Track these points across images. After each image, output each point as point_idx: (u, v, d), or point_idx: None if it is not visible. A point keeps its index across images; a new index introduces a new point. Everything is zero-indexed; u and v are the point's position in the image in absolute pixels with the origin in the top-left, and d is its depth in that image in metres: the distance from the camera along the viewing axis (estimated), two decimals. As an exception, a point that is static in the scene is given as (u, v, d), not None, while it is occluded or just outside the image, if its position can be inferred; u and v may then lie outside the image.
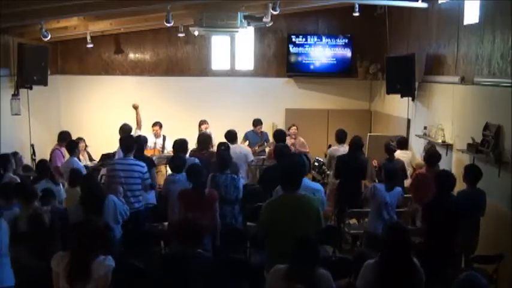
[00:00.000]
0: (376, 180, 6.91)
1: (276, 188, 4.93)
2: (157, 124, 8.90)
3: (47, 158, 7.49)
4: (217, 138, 8.87)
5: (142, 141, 7.08)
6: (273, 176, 5.96)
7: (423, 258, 4.59)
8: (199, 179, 5.36)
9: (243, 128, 8.88)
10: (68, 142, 7.26)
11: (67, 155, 7.42)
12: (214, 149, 7.69)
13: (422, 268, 3.61)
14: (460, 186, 5.67)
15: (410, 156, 7.87)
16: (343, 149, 7.43)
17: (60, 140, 7.65)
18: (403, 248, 3.52)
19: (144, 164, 6.05)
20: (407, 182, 7.13)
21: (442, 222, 4.86)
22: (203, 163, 6.44)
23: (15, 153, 6.87)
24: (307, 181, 4.93)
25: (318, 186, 5.06)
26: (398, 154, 7.37)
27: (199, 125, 9.05)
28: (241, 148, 7.79)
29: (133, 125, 8.53)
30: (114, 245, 4.57)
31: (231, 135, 7.81)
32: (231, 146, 7.51)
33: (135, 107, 8.84)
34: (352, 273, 4.04)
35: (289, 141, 8.66)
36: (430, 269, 4.33)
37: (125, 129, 8.08)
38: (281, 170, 4.39)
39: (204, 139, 7.54)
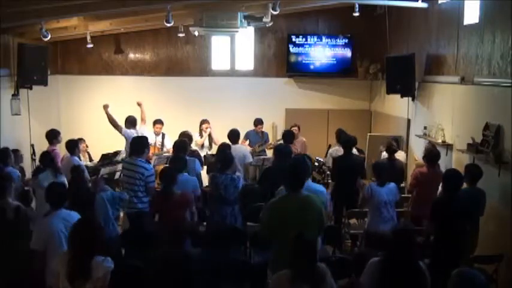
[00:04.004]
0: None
1: (278, 188, 4.93)
2: (159, 122, 8.94)
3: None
4: (218, 138, 8.92)
5: None
6: (272, 176, 5.98)
7: (431, 258, 4.62)
8: (169, 182, 5.38)
9: (243, 128, 8.87)
10: (68, 141, 7.25)
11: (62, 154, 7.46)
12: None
13: (431, 267, 3.62)
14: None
15: (404, 156, 7.89)
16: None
17: (52, 139, 7.54)
18: (409, 250, 3.51)
19: (149, 167, 6.05)
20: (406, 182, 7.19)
21: (450, 221, 4.85)
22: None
23: (16, 151, 6.91)
24: (309, 183, 4.84)
25: (320, 187, 4.94)
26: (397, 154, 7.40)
27: (201, 124, 9.05)
28: (241, 148, 7.80)
29: (138, 120, 8.67)
30: (113, 243, 4.59)
31: (234, 135, 7.81)
32: (232, 146, 7.53)
33: (139, 104, 8.93)
34: (352, 273, 4.04)
35: None
36: (439, 268, 4.34)
37: (129, 121, 8.12)
38: (287, 170, 4.38)
39: (186, 137, 7.53)
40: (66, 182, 6.06)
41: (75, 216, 4.36)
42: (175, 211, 5.24)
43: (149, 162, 7.11)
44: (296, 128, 8.98)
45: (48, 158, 6.38)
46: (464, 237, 4.95)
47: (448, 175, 5.16)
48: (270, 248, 4.36)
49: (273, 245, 4.28)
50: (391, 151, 7.17)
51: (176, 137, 7.60)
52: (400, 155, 7.73)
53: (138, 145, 6.16)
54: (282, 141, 7.89)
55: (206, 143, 8.97)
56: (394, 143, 7.42)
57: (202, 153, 8.44)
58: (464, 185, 5.46)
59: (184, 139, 7.09)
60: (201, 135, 8.90)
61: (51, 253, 4.14)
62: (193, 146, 8.23)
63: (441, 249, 4.79)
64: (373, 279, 3.55)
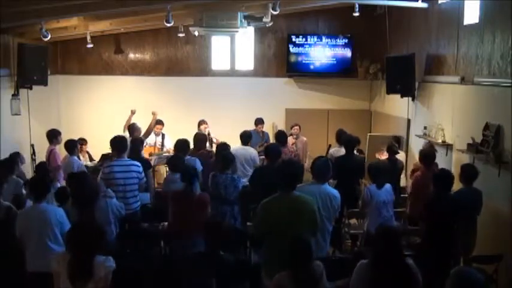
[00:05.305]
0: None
1: (271, 188, 4.88)
2: (159, 122, 8.94)
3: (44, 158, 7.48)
4: (218, 137, 8.92)
5: (138, 143, 7.07)
6: (264, 176, 5.96)
7: (423, 258, 4.63)
8: (191, 183, 5.31)
9: (243, 128, 8.86)
10: (66, 142, 7.24)
11: (61, 153, 7.46)
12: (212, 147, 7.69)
13: (423, 267, 3.61)
14: (457, 185, 5.67)
15: (404, 157, 7.90)
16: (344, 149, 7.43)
17: (52, 138, 7.48)
18: (393, 251, 3.51)
19: (139, 164, 6.07)
20: (404, 182, 7.19)
21: (441, 221, 4.86)
22: (200, 162, 6.53)
23: (17, 154, 6.91)
24: (326, 186, 4.75)
25: (336, 193, 4.79)
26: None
27: (199, 125, 9.07)
28: (250, 151, 7.66)
29: (143, 128, 8.55)
30: (108, 245, 4.60)
31: (246, 137, 7.71)
32: (241, 146, 7.52)
33: (154, 113, 8.85)
34: (351, 273, 4.05)
35: (291, 140, 8.67)
36: (431, 268, 4.34)
37: (133, 129, 8.13)
38: (283, 169, 4.37)
39: (200, 139, 7.54)
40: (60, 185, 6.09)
41: (55, 210, 4.55)
42: (196, 211, 5.15)
43: (148, 162, 7.13)
44: (297, 127, 8.99)
45: (41, 170, 6.37)
46: (455, 236, 4.97)
47: (438, 175, 5.19)
48: (262, 247, 4.36)
49: (265, 244, 4.28)
50: (392, 152, 7.17)
51: (176, 137, 7.58)
52: (400, 156, 7.74)
53: (119, 144, 6.10)
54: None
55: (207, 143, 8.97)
56: (396, 144, 7.42)
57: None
58: (461, 185, 5.48)
59: (186, 139, 7.09)
60: (200, 136, 8.92)
61: (28, 240, 4.53)
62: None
63: (433, 248, 4.80)
64: (361, 281, 3.54)
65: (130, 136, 8.09)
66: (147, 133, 8.66)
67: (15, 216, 4.79)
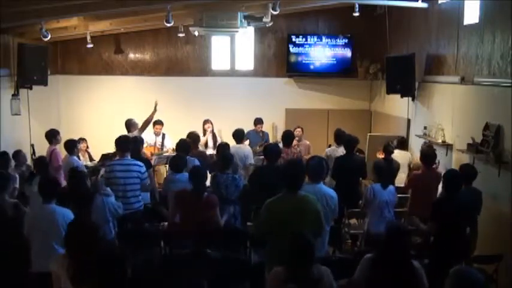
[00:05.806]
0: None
1: (270, 188, 4.86)
2: (159, 123, 8.94)
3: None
4: (222, 137, 8.94)
5: (138, 142, 7.07)
6: (263, 176, 5.96)
7: (428, 257, 4.61)
8: (200, 182, 5.28)
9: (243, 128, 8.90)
10: (66, 142, 7.24)
11: (62, 153, 7.47)
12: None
13: (425, 267, 3.61)
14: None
15: (409, 156, 7.90)
16: (342, 149, 7.42)
17: (52, 138, 7.48)
18: (401, 249, 3.51)
19: (141, 164, 6.08)
20: (402, 182, 7.19)
21: (450, 220, 4.84)
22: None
23: (18, 151, 6.92)
24: (322, 186, 4.76)
25: (332, 193, 4.79)
26: (396, 154, 7.40)
27: (203, 125, 9.11)
28: (244, 149, 7.70)
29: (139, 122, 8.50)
30: (107, 244, 4.61)
31: (238, 135, 7.73)
32: (236, 145, 7.51)
33: (156, 103, 8.72)
34: (352, 273, 4.05)
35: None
36: (435, 268, 4.33)
37: (130, 125, 8.11)
38: (285, 170, 4.37)
39: (192, 138, 7.53)
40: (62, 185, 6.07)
41: (63, 212, 4.52)
42: (203, 212, 5.12)
43: (149, 161, 7.13)
44: (299, 129, 8.97)
45: (40, 165, 6.37)
46: (465, 237, 4.96)
47: (449, 175, 5.15)
48: (264, 247, 4.36)
49: (268, 244, 4.28)
50: (388, 151, 7.17)
51: (176, 137, 7.59)
52: (405, 156, 7.74)
53: (122, 144, 6.13)
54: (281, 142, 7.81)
55: (210, 143, 8.99)
56: (392, 144, 7.42)
57: (208, 153, 8.40)
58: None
59: (186, 139, 7.09)
60: (204, 135, 8.94)
61: (32, 239, 4.52)
62: (200, 147, 8.23)
63: (441, 248, 4.78)
64: (365, 275, 3.56)
65: (128, 132, 8.12)
66: (146, 124, 8.56)
67: (23, 213, 4.79)
